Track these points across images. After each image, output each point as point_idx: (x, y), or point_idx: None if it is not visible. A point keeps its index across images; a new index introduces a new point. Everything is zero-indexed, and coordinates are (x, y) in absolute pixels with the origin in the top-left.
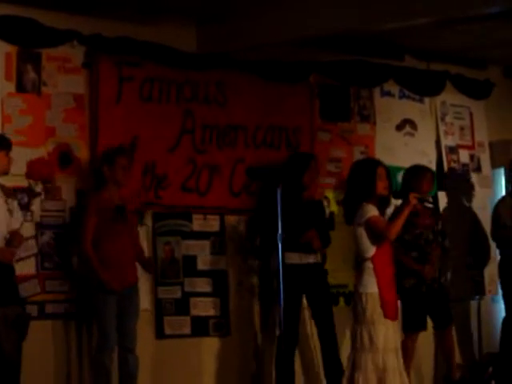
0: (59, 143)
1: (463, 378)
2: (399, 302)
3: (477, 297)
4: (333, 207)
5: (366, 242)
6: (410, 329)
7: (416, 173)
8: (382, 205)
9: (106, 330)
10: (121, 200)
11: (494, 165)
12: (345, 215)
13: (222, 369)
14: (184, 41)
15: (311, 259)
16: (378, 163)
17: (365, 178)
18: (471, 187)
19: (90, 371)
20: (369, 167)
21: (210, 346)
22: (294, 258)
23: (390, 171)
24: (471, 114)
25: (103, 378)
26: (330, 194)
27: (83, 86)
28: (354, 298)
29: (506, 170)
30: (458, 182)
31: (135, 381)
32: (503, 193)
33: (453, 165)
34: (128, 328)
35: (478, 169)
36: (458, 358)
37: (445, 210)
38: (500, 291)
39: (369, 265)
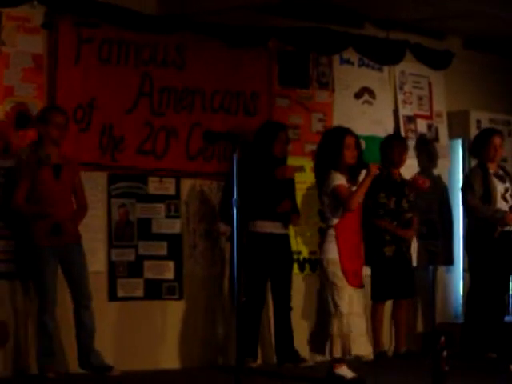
0: (17, 103)
1: (408, 352)
2: (369, 270)
3: (431, 267)
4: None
5: (330, 210)
6: (382, 297)
7: (388, 143)
8: (353, 174)
9: (44, 290)
10: (60, 158)
11: (452, 135)
12: (316, 182)
13: (174, 332)
14: (144, 3)
15: (283, 230)
16: (346, 132)
17: (332, 147)
18: (436, 155)
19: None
20: (337, 136)
21: (163, 309)
22: (267, 227)
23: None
24: (430, 84)
25: (46, 339)
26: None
27: (42, 46)
28: (319, 265)
29: (466, 141)
30: (425, 149)
31: (93, 336)
32: (460, 163)
33: (410, 134)
34: (77, 285)
35: (436, 139)
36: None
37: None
38: (460, 263)
39: (331, 232)
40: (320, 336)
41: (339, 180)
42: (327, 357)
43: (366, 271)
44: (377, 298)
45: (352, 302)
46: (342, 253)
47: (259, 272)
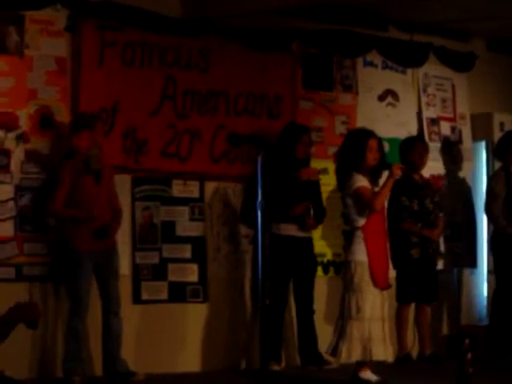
0: (40, 106)
1: (433, 355)
2: (394, 272)
3: (455, 269)
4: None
5: (354, 211)
6: (407, 299)
7: (409, 145)
8: (374, 176)
9: (78, 294)
10: (99, 164)
11: (475, 138)
12: (337, 183)
13: (199, 335)
14: (168, 6)
15: (304, 233)
16: (370, 135)
17: (355, 148)
18: (461, 158)
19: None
20: (360, 138)
21: (187, 312)
22: (290, 230)
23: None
24: (453, 86)
25: (74, 344)
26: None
27: (66, 50)
28: (344, 267)
29: (489, 143)
30: (449, 152)
31: (120, 343)
32: (484, 166)
33: (433, 136)
34: (109, 291)
35: (459, 141)
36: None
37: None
38: (484, 265)
39: (359, 234)
40: (336, 338)
41: (361, 181)
42: (344, 360)
43: (392, 273)
44: (402, 300)
45: (375, 306)
46: (371, 254)
47: (281, 274)
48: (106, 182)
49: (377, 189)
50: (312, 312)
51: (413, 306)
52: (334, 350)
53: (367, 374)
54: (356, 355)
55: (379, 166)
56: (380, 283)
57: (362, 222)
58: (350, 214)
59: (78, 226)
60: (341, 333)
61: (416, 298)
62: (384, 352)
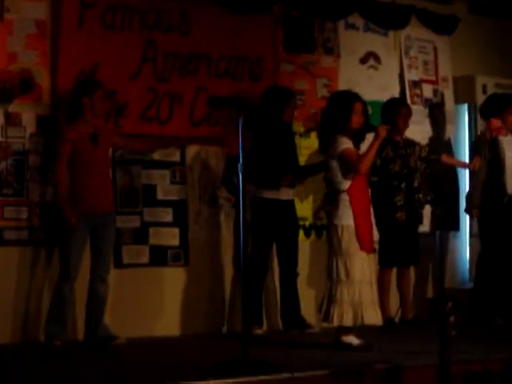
0: (20, 69)
1: (415, 319)
2: (378, 236)
3: (437, 232)
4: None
5: (339, 174)
6: (389, 263)
7: (391, 107)
8: (357, 140)
9: (68, 260)
10: (95, 129)
11: (458, 100)
12: (319, 145)
13: (180, 299)
14: None
15: (286, 196)
16: (356, 97)
17: (340, 111)
18: (444, 121)
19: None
20: (346, 101)
21: (169, 275)
22: (272, 193)
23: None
24: (435, 49)
25: (59, 307)
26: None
27: (46, 12)
28: (328, 231)
29: (472, 106)
30: (432, 114)
31: (104, 308)
32: (466, 129)
33: (416, 99)
34: (100, 256)
35: (442, 104)
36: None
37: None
38: (466, 228)
39: (344, 197)
40: (327, 303)
41: (346, 144)
42: (335, 324)
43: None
44: (384, 264)
45: (364, 269)
46: (357, 218)
47: (264, 238)
48: (106, 144)
49: (360, 152)
50: (295, 275)
51: (394, 269)
52: (326, 315)
53: (349, 338)
54: (348, 319)
55: (364, 129)
56: (366, 247)
57: (347, 184)
58: (335, 177)
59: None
60: (331, 297)
61: (398, 261)
62: (375, 316)
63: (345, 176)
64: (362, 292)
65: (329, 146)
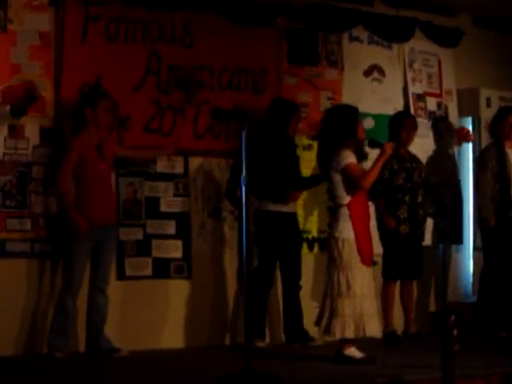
0: (24, 81)
1: (418, 333)
2: (380, 249)
3: (441, 246)
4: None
5: (341, 189)
6: (393, 276)
7: (397, 120)
8: (359, 158)
9: (72, 271)
10: (99, 141)
11: (462, 113)
12: (319, 160)
13: (183, 311)
14: None
15: (290, 208)
16: (357, 110)
17: (346, 122)
18: (452, 134)
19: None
20: (350, 113)
21: (172, 288)
22: (275, 206)
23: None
24: (439, 62)
25: (62, 319)
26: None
27: (49, 24)
28: (329, 244)
29: (476, 119)
30: (442, 128)
31: (104, 320)
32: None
33: (420, 112)
34: (100, 268)
35: (446, 117)
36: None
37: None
38: (470, 241)
39: (345, 211)
40: (328, 316)
41: (350, 158)
42: (337, 337)
43: (378, 250)
44: (388, 277)
45: (364, 283)
46: (358, 232)
47: (269, 251)
48: (109, 154)
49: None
50: (298, 288)
51: (398, 282)
52: (327, 329)
53: (351, 351)
54: (350, 332)
55: (370, 144)
56: (366, 260)
57: (347, 199)
58: (337, 191)
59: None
60: (332, 311)
61: (401, 274)
62: (375, 328)
63: (347, 191)
64: (363, 305)
65: (329, 160)
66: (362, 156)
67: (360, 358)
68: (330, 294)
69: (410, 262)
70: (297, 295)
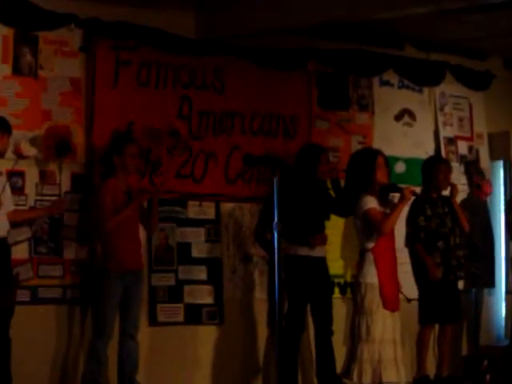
0: (55, 127)
1: (450, 377)
2: (416, 294)
3: (473, 289)
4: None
5: (364, 233)
6: (430, 320)
7: (431, 165)
8: (383, 201)
9: (105, 317)
10: (127, 187)
11: (493, 157)
12: (344, 207)
13: (216, 357)
14: (182, 26)
15: (318, 253)
16: (378, 153)
17: (364, 168)
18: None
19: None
20: (368, 157)
21: (204, 334)
22: (304, 250)
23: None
24: (470, 105)
25: (95, 366)
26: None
27: (80, 70)
28: (353, 288)
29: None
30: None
31: (136, 367)
32: (501, 185)
33: (451, 156)
34: (131, 314)
35: (477, 161)
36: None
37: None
38: (502, 285)
39: (369, 256)
40: (348, 360)
41: (371, 203)
42: (355, 382)
43: (413, 294)
44: (425, 321)
45: (385, 328)
46: (382, 277)
47: (299, 296)
48: (137, 203)
49: (385, 210)
50: (330, 333)
51: (435, 327)
52: (346, 373)
53: None
54: (367, 378)
55: (389, 189)
56: (390, 305)
57: (371, 244)
58: (360, 236)
59: (111, 248)
60: (352, 355)
61: (439, 318)
62: (396, 374)
63: (368, 236)
64: (381, 351)
65: (353, 207)
66: (385, 201)
67: None
68: (351, 339)
69: (447, 305)
70: (329, 340)
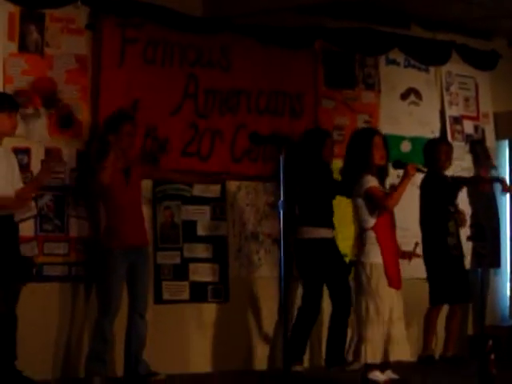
0: (61, 104)
1: (455, 357)
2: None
3: (479, 270)
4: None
5: (365, 212)
6: (440, 301)
7: (433, 146)
8: (381, 176)
9: (110, 295)
10: (126, 164)
11: (498, 136)
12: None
13: (220, 335)
14: (189, 4)
15: (327, 234)
16: (375, 132)
17: (361, 148)
18: (489, 157)
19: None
20: (365, 137)
21: (209, 312)
22: (323, 233)
23: (393, 140)
24: (476, 85)
25: (101, 344)
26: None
27: (86, 48)
28: (356, 269)
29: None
30: (479, 151)
31: (143, 345)
32: (507, 165)
33: (457, 135)
34: (138, 292)
35: (483, 140)
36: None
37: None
38: (507, 265)
39: (371, 234)
40: (357, 341)
41: (371, 182)
42: (362, 362)
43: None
44: (435, 302)
45: (393, 307)
46: (385, 255)
47: (315, 279)
48: (137, 179)
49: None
50: (348, 314)
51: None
52: (357, 353)
53: (375, 375)
54: (379, 356)
55: (395, 165)
56: (394, 283)
57: (372, 222)
58: (361, 215)
59: (113, 225)
60: (361, 335)
61: (449, 299)
62: (405, 351)
63: (371, 213)
64: (391, 329)
65: (353, 187)
66: (384, 175)
67: (383, 381)
68: (358, 320)
69: (456, 286)
70: (346, 321)
